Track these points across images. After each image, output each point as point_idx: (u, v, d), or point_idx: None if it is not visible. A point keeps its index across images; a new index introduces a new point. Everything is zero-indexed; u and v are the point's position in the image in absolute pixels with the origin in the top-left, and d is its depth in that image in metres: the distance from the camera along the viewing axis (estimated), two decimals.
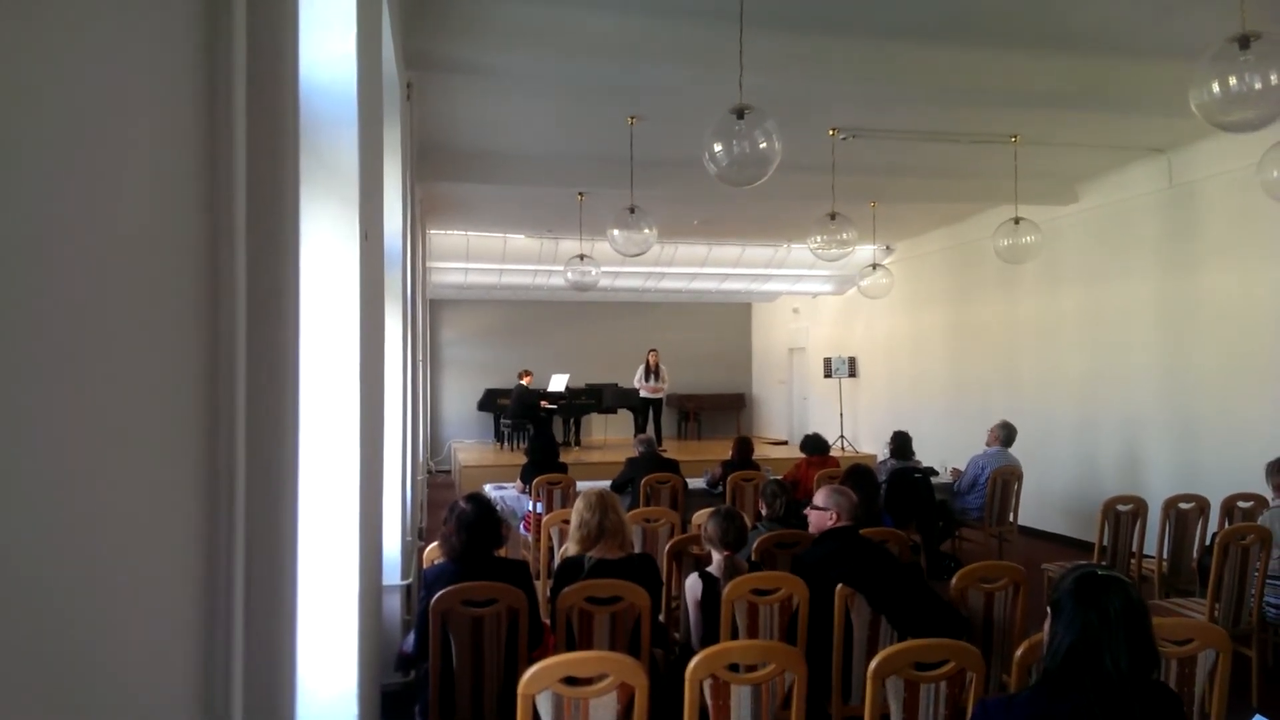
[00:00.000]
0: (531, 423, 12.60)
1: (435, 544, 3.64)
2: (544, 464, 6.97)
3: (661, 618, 3.96)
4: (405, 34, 4.65)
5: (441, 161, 7.86)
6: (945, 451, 9.70)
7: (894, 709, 2.54)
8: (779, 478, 5.59)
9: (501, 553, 3.74)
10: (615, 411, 14.09)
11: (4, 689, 0.64)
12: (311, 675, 2.25)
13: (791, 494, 4.83)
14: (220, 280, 1.20)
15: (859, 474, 5.16)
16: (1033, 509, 8.42)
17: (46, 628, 0.71)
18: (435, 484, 12.46)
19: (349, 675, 2.32)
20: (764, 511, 4.63)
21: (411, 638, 3.35)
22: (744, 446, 7.28)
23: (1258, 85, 3.54)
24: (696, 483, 7.17)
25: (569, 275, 9.31)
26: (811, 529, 3.86)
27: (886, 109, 6.70)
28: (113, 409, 0.85)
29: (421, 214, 9.02)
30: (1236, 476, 6.18)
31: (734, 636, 3.30)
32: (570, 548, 3.70)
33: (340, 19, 2.32)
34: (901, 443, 7.47)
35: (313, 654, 2.26)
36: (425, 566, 3.72)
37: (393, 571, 4.20)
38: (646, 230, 7.12)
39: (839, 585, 3.31)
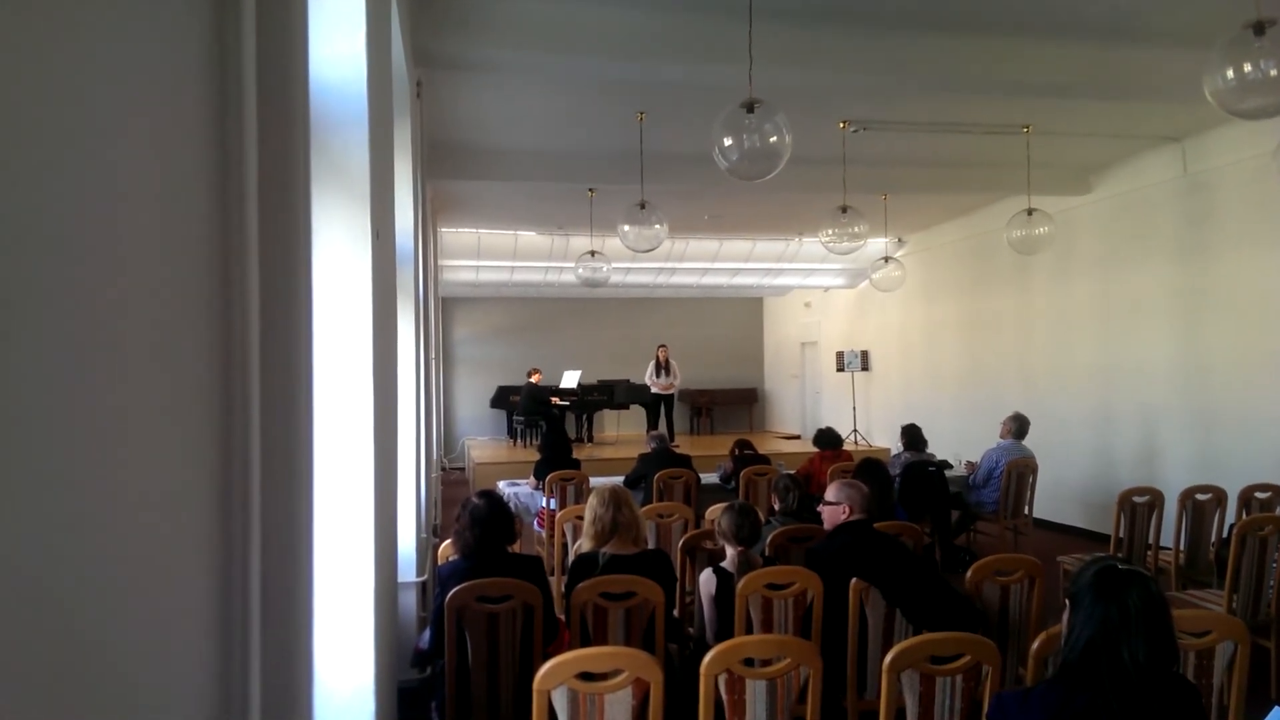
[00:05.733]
0: (544, 419, 12.62)
1: (449, 541, 3.66)
2: (557, 460, 6.98)
3: (676, 613, 3.97)
4: (414, 32, 4.66)
5: (452, 159, 7.86)
6: (959, 444, 9.66)
7: (909, 703, 2.53)
8: (791, 472, 5.57)
9: (515, 548, 3.75)
10: (627, 407, 14.09)
11: (23, 687, 0.64)
12: (328, 672, 2.26)
13: (804, 488, 4.82)
14: (233, 280, 1.21)
15: (870, 467, 5.15)
16: (1048, 501, 8.37)
17: (64, 626, 0.72)
18: (449, 481, 12.50)
19: (366, 671, 2.34)
20: (777, 506, 4.62)
21: (427, 634, 3.37)
22: (743, 445, 7.34)
23: (1273, 72, 3.51)
24: (709, 478, 7.17)
25: (580, 272, 9.30)
26: (825, 525, 3.86)
27: (897, 101, 6.67)
28: (128, 409, 0.86)
29: (432, 212, 9.03)
30: (1254, 467, 6.14)
31: (748, 631, 3.30)
32: (584, 544, 3.71)
33: (349, 18, 2.32)
34: (913, 435, 7.45)
35: (329, 651, 2.27)
36: (440, 564, 3.73)
37: (408, 568, 4.22)
38: (657, 225, 7.12)
39: (853, 579, 3.31)
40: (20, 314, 0.64)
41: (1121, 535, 5.42)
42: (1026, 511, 7.19)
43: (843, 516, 3.71)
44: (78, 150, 0.75)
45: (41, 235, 0.68)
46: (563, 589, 3.86)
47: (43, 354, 0.68)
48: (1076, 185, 8.94)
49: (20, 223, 0.64)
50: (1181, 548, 5.43)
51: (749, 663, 2.52)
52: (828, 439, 7.53)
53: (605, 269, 9.24)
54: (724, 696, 2.49)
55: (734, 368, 16.95)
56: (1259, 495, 5.46)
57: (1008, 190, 8.85)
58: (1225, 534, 5.15)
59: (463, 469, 14.09)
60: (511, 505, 6.57)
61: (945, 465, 7.40)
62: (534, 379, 13.27)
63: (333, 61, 2.30)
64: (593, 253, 9.12)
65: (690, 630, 4.00)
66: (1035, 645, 2.59)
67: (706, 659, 2.46)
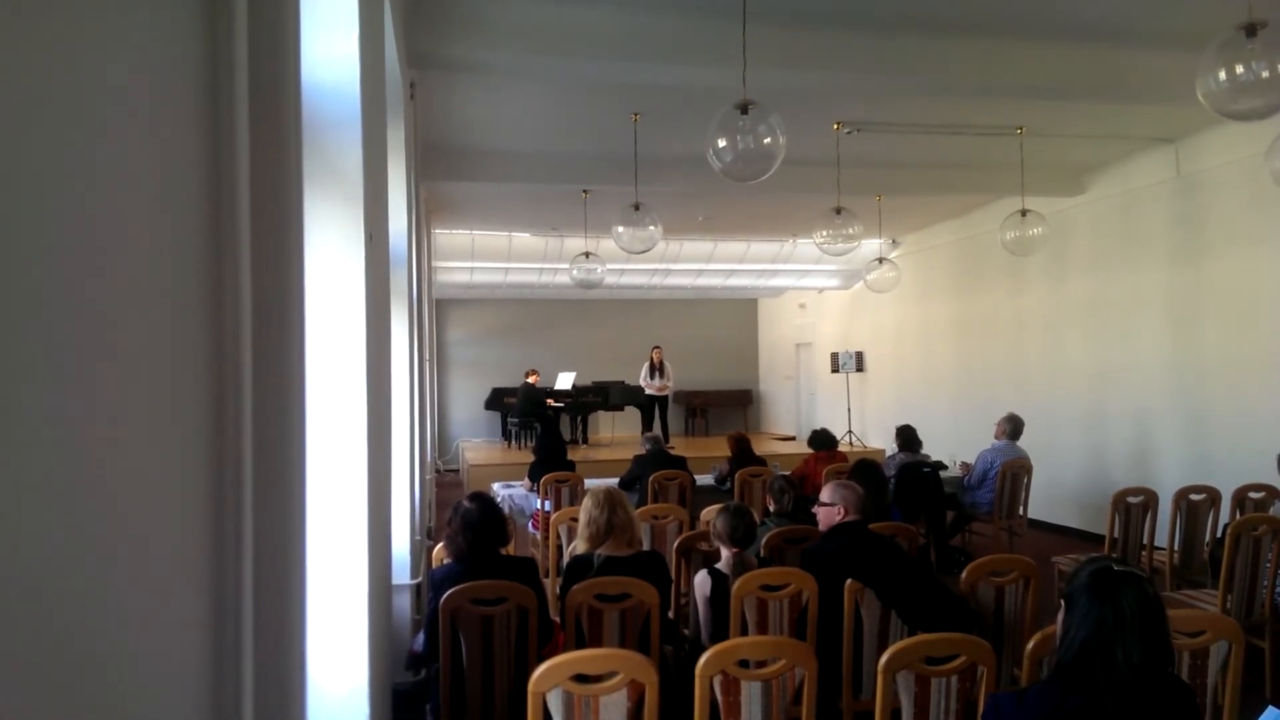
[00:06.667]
0: (539, 421, 12.60)
1: (442, 544, 3.65)
2: (551, 462, 6.97)
3: (671, 614, 3.96)
4: (408, 33, 4.65)
5: (445, 161, 7.86)
6: (954, 445, 9.67)
7: (905, 704, 2.53)
8: (786, 473, 5.57)
9: (509, 550, 3.74)
10: (622, 409, 14.08)
11: (14, 690, 0.64)
12: (322, 674, 2.26)
13: (799, 489, 4.82)
14: (225, 283, 1.20)
15: (864, 468, 5.15)
16: (1043, 502, 8.39)
17: (56, 629, 0.71)
18: (443, 483, 12.47)
19: (360, 674, 2.33)
20: (772, 507, 4.62)
21: (422, 637, 3.36)
22: (742, 443, 7.29)
23: (1265, 74, 3.52)
24: (704, 479, 7.17)
25: (574, 273, 9.29)
26: (821, 526, 3.85)
27: (891, 102, 6.68)
28: (119, 412, 0.85)
29: (426, 214, 9.02)
30: (1247, 467, 6.15)
31: (743, 633, 3.30)
32: (579, 545, 3.70)
33: (342, 19, 2.32)
34: (908, 436, 7.45)
35: (323, 653, 2.26)
36: (433, 567, 3.72)
37: (402, 571, 4.21)
38: (651, 227, 7.12)
39: (848, 580, 3.31)
40: (18, 316, 0.63)
41: (1116, 536, 5.43)
42: (1021, 512, 7.21)
43: (838, 518, 3.71)
44: (71, 151, 0.75)
45: (30, 239, 0.67)
46: (558, 591, 3.85)
47: (32, 357, 0.67)
48: (1070, 186, 8.96)
49: (16, 225, 0.64)
50: (1176, 548, 5.44)
51: (744, 664, 2.51)
52: (823, 440, 7.54)
53: (600, 270, 9.23)
54: (719, 698, 2.49)
55: (729, 369, 16.94)
56: (1253, 495, 5.48)
57: (1002, 191, 8.87)
58: (1219, 534, 5.16)
59: (457, 471, 14.07)
60: (506, 507, 6.56)
61: (940, 466, 7.41)
62: (531, 380, 13.25)
63: (326, 63, 2.29)
64: (587, 254, 9.11)
65: (685, 632, 4.00)
66: (1030, 646, 2.58)
67: (702, 660, 2.45)
